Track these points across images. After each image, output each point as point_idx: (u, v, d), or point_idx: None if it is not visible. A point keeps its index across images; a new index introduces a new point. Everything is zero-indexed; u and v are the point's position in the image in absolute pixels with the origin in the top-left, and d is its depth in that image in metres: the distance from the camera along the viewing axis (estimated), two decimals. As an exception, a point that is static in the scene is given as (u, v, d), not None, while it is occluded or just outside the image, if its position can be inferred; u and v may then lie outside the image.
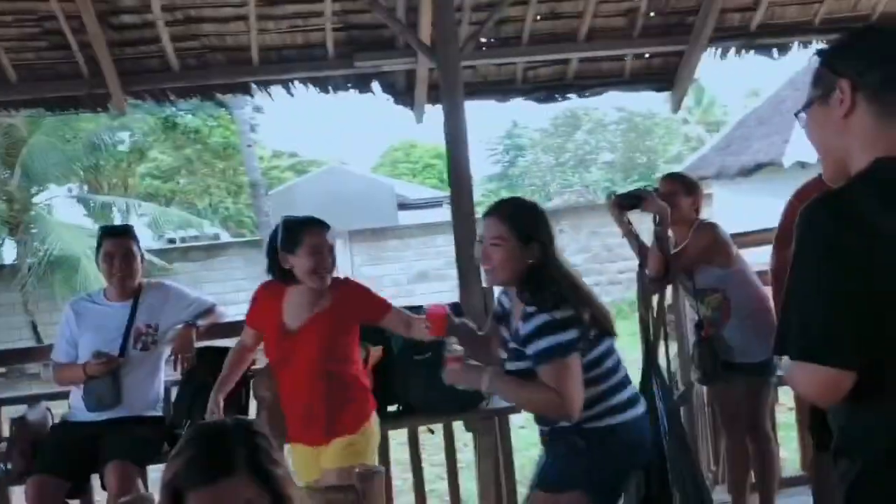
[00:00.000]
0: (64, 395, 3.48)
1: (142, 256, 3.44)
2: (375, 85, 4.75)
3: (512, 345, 2.41)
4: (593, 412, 2.32)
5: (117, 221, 15.87)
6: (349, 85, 4.72)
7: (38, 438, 3.22)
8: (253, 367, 3.33)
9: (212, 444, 1.29)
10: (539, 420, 2.47)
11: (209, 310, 3.53)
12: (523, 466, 3.87)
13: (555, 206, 17.82)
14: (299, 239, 2.77)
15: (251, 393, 3.41)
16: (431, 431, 3.64)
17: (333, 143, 45.93)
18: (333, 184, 19.42)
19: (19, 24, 4.20)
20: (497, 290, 2.90)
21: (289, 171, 25.99)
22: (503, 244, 2.35)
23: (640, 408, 2.45)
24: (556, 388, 2.24)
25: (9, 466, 3.18)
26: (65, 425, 3.31)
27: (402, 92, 4.79)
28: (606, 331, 2.37)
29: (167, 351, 3.41)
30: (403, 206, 20.81)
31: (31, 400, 3.50)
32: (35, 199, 13.87)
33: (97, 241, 3.44)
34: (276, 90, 4.70)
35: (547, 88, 4.96)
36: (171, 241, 16.63)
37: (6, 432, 3.30)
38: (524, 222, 2.38)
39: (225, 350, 3.55)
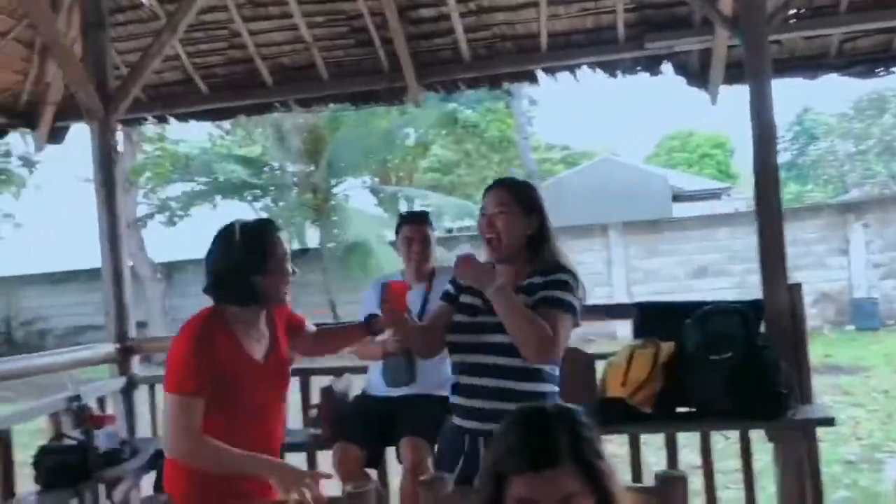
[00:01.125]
0: (365, 369, 3.70)
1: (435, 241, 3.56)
2: (666, 66, 4.50)
3: (471, 263, 2.34)
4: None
5: (403, 211, 17.03)
6: (638, 67, 4.53)
7: (342, 408, 3.46)
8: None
9: (535, 431, 1.24)
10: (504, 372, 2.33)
11: None
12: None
13: (853, 199, 16.03)
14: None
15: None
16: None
17: (605, 134, 45.65)
18: (604, 175, 19.15)
19: (330, 24, 4.54)
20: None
21: (560, 164, 26.16)
22: (508, 212, 2.38)
23: None
24: (553, 329, 2.25)
25: (317, 432, 3.44)
26: (364, 398, 3.51)
27: (696, 72, 4.49)
28: None
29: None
30: (678, 197, 19.98)
31: (337, 372, 3.76)
32: (335, 190, 15.27)
33: (397, 225, 3.60)
34: (563, 76, 4.64)
35: (867, 62, 4.38)
36: (449, 230, 17.48)
37: (317, 400, 3.57)
38: (526, 194, 2.43)
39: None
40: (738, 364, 3.10)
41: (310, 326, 2.67)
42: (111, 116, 4.00)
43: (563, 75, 4.63)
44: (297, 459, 3.69)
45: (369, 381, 3.51)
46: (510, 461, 1.23)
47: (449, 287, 2.53)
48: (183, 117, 4.99)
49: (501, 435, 1.28)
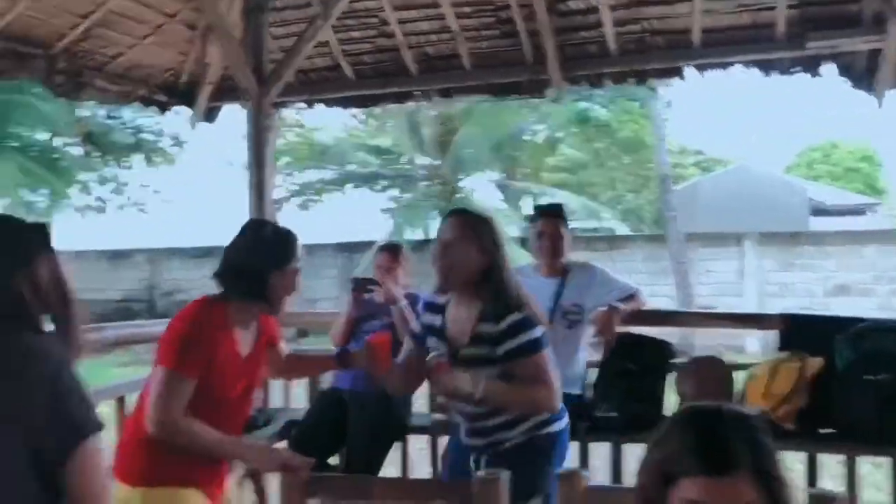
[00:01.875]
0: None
1: (570, 237, 3.50)
2: (827, 67, 4.25)
3: (469, 350, 2.38)
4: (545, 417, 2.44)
5: (527, 208, 16.93)
6: (797, 68, 4.29)
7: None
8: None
9: (712, 433, 1.18)
10: (482, 431, 2.45)
11: (633, 295, 3.47)
12: None
13: None
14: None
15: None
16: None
17: (738, 141, 43.66)
18: (740, 183, 18.41)
19: (478, 14, 4.55)
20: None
21: (693, 168, 25.34)
22: (464, 244, 2.39)
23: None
24: (543, 380, 2.35)
25: (443, 418, 3.46)
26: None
27: (861, 74, 4.21)
28: None
29: (590, 332, 3.42)
30: (818, 211, 18.98)
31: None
32: (461, 184, 15.39)
33: (532, 218, 3.57)
34: (712, 74, 4.47)
35: None
36: (572, 230, 17.21)
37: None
38: (486, 227, 2.44)
39: (644, 339, 3.48)
40: (894, 385, 2.90)
41: (283, 347, 2.66)
42: (265, 98, 4.16)
43: (713, 73, 4.46)
44: (420, 443, 3.76)
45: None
46: (682, 462, 1.17)
47: (415, 327, 2.65)
48: (329, 103, 5.13)
49: (671, 433, 1.22)
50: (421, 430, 3.65)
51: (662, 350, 3.43)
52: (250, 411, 2.59)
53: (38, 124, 14.34)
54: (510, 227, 14.20)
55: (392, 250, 3.75)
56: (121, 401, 3.31)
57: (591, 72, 4.58)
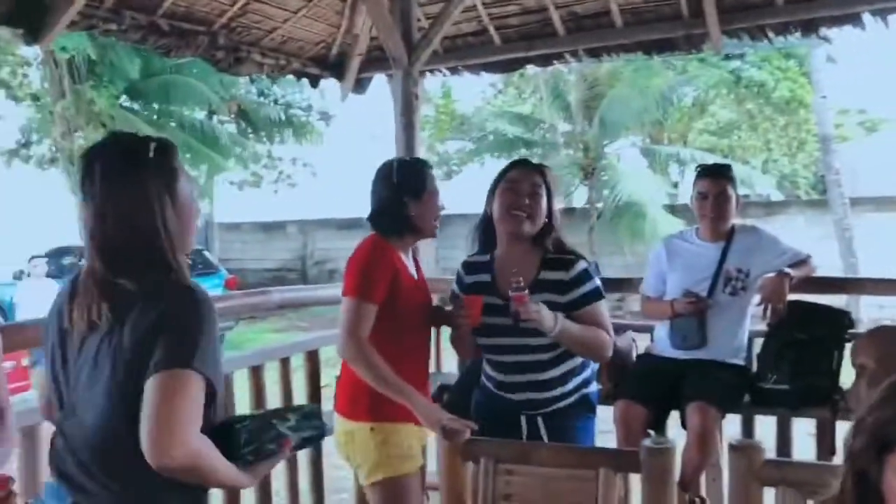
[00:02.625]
0: (646, 328, 3.57)
1: (737, 199, 3.30)
2: None
3: (532, 306, 2.26)
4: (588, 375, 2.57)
5: (675, 174, 16.33)
6: None
7: (624, 365, 3.37)
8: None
9: None
10: (536, 385, 2.46)
11: (803, 261, 3.24)
12: None
13: None
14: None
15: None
16: None
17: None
18: (906, 144, 16.95)
19: (632, -33, 4.35)
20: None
21: (857, 129, 23.51)
22: (541, 195, 2.45)
23: None
24: (605, 326, 2.41)
25: (599, 387, 3.38)
26: (649, 357, 3.39)
27: None
28: None
29: (756, 299, 3.23)
30: None
31: (619, 329, 3.66)
32: (607, 149, 15.00)
33: (695, 177, 3.38)
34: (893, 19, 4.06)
35: None
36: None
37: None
38: (551, 179, 2.53)
39: (817, 307, 3.25)
40: None
41: None
42: (414, 66, 4.18)
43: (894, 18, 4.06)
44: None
45: (656, 340, 3.38)
46: None
47: (455, 288, 2.61)
48: (474, 68, 5.09)
49: (889, 398, 1.11)
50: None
51: (838, 319, 3.18)
52: (428, 355, 2.73)
53: (195, 103, 15.20)
54: (657, 194, 13.75)
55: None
56: (285, 362, 3.45)
57: (752, 24, 4.27)
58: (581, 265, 2.42)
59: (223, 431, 1.54)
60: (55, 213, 15.89)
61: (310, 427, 1.71)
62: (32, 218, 19.56)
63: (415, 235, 2.58)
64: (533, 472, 1.91)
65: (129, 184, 1.53)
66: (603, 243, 13.87)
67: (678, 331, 3.20)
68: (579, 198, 15.49)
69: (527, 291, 2.27)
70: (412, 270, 2.57)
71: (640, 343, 3.57)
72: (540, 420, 2.46)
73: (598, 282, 2.45)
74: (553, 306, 2.34)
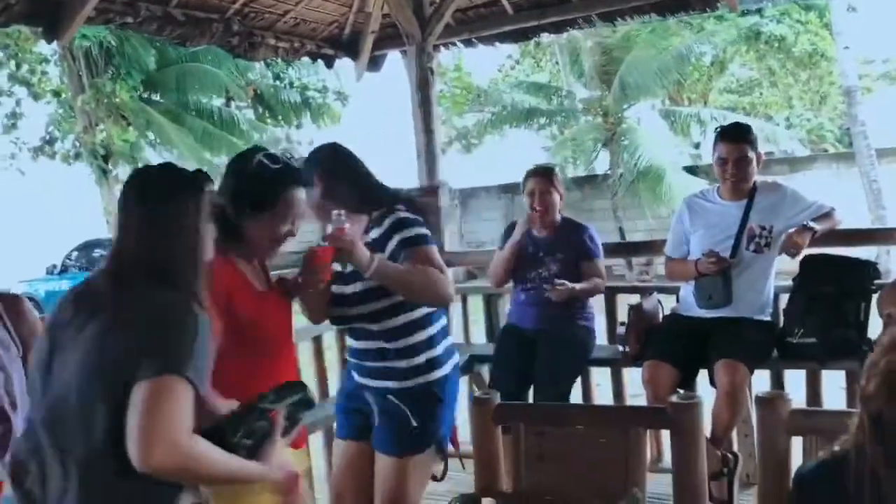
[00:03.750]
0: (673, 289, 3.59)
1: (758, 158, 3.27)
2: None
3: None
4: (435, 353, 2.36)
5: (696, 134, 16.16)
6: None
7: (651, 326, 3.39)
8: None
9: None
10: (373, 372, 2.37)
11: (828, 214, 3.23)
12: None
13: None
14: None
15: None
16: None
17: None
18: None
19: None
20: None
21: (881, 80, 23.01)
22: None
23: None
24: (436, 266, 2.22)
25: (626, 349, 3.42)
26: (675, 317, 3.40)
27: None
28: None
29: (779, 254, 3.23)
30: None
31: (643, 291, 3.69)
32: (626, 113, 14.87)
33: (714, 140, 3.36)
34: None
35: None
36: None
37: (624, 317, 3.55)
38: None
39: (843, 260, 3.25)
40: None
41: None
42: (427, 40, 4.19)
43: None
44: (602, 375, 3.74)
45: (682, 300, 3.39)
46: None
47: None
48: (487, 40, 5.08)
49: None
50: (602, 363, 3.63)
51: (865, 271, 3.18)
52: (295, 365, 2.27)
53: (212, 90, 15.27)
54: (680, 157, 13.63)
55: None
56: (317, 340, 3.51)
57: (769, -24, 4.23)
58: (391, 218, 2.30)
59: (210, 432, 1.53)
60: (83, 206, 16.13)
61: (291, 395, 1.72)
62: (61, 213, 19.86)
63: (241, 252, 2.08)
64: (563, 433, 1.95)
65: (163, 208, 1.63)
66: (626, 207, 13.81)
67: (703, 290, 3.21)
68: (601, 164, 15.42)
69: (347, 224, 2.12)
70: (258, 281, 2.11)
71: (666, 304, 3.59)
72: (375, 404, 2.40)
73: (418, 229, 2.29)
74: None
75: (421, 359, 2.34)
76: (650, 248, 4.15)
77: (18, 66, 14.64)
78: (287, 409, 1.69)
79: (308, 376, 3.33)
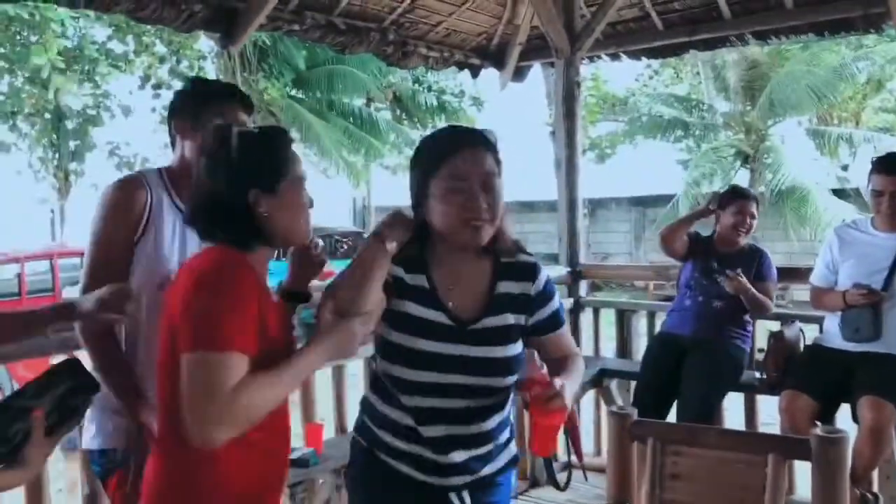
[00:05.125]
0: (814, 318, 3.49)
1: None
2: None
3: (486, 321, 1.70)
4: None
5: (845, 156, 15.32)
6: None
7: (792, 355, 3.32)
8: None
9: None
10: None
11: None
12: None
13: None
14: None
15: None
16: None
17: None
18: None
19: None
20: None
21: None
22: (498, 183, 1.67)
23: None
24: (575, 350, 1.84)
25: (764, 376, 3.36)
26: (818, 348, 3.31)
27: None
28: None
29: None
30: None
31: (785, 318, 3.60)
32: (770, 130, 14.31)
33: (870, 170, 3.25)
34: None
35: None
36: None
37: (763, 344, 3.49)
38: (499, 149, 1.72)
39: None
40: None
41: None
42: (576, 54, 4.24)
43: None
44: (728, 399, 3.65)
45: (826, 330, 3.30)
46: None
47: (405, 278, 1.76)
48: (634, 54, 5.07)
49: None
50: (739, 388, 3.58)
51: None
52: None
53: (355, 91, 15.86)
54: (827, 178, 12.99)
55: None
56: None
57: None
58: (545, 272, 1.80)
59: None
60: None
61: (56, 385, 1.39)
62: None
63: (269, 247, 1.60)
64: (701, 454, 1.97)
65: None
66: (766, 228, 13.28)
67: (850, 322, 3.11)
68: (740, 181, 14.89)
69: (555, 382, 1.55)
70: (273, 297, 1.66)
71: (807, 334, 3.50)
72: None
73: (558, 298, 1.83)
74: (512, 331, 1.74)
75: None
76: (794, 275, 4.03)
77: (179, 61, 15.71)
78: (54, 402, 1.38)
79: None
